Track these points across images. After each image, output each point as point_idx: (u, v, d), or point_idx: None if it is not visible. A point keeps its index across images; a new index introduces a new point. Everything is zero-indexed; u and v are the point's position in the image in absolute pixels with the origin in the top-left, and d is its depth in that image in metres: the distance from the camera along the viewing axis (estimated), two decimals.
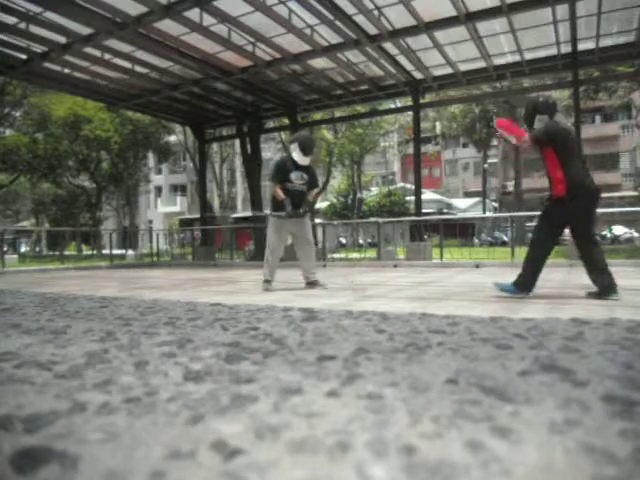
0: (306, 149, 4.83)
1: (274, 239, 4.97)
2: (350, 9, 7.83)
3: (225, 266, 11.44)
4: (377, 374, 1.34)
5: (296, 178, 4.85)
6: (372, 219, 17.87)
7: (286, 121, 13.88)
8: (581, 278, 5.69)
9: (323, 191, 25.74)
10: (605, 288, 3.61)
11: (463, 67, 10.57)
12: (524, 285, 3.78)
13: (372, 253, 12.22)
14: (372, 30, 8.60)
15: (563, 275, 6.31)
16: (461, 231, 15.57)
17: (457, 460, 0.79)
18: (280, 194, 4.79)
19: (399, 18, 8.30)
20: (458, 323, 2.18)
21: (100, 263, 12.82)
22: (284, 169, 4.87)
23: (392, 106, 17.45)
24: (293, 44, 9.16)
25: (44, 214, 30.50)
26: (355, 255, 12.38)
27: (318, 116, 17.56)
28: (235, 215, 31.07)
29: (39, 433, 0.94)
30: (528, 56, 10.00)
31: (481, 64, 10.36)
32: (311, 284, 4.96)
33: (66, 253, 15.94)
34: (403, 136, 35.93)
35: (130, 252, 16.37)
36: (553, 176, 3.68)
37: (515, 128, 3.83)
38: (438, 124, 37.34)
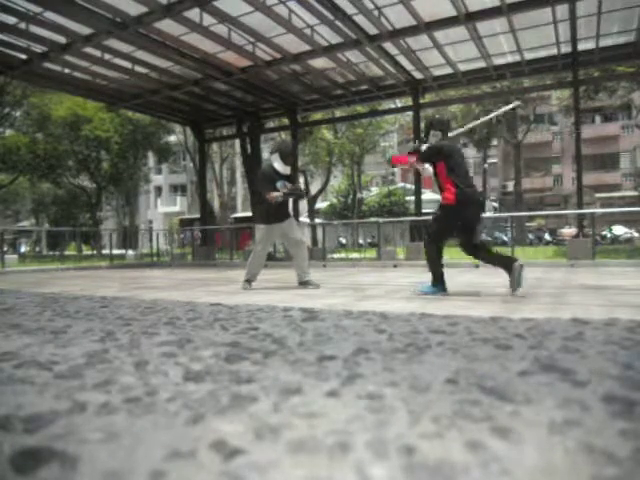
0: (286, 158, 4.98)
1: (261, 246, 5.13)
2: (350, 9, 7.82)
3: (225, 266, 11.44)
4: (377, 374, 1.34)
5: (281, 187, 4.94)
6: (372, 219, 17.88)
7: (286, 121, 13.87)
8: (580, 278, 5.70)
9: (323, 191, 25.74)
10: (512, 283, 3.88)
11: (463, 67, 10.57)
12: (439, 284, 4.09)
13: (372, 253, 12.22)
14: (372, 30, 8.60)
15: (563, 275, 6.31)
16: None
17: (457, 460, 0.79)
18: (274, 195, 4.86)
19: (399, 18, 8.30)
20: (458, 323, 2.18)
21: (100, 263, 12.82)
22: (271, 179, 4.95)
23: (392, 106, 17.43)
24: (293, 44, 9.16)
25: (44, 214, 30.50)
26: (355, 255, 12.38)
27: (318, 116, 17.54)
28: (235, 215, 31.07)
29: (39, 433, 0.94)
30: (528, 56, 9.99)
31: (481, 64, 10.36)
32: (304, 283, 5.02)
33: (66, 253, 15.91)
34: (403, 136, 35.91)
35: (130, 252, 16.36)
36: (444, 186, 4.02)
37: (403, 158, 4.42)
38: None
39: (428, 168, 4.23)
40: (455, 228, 4.15)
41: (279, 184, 4.93)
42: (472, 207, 3.99)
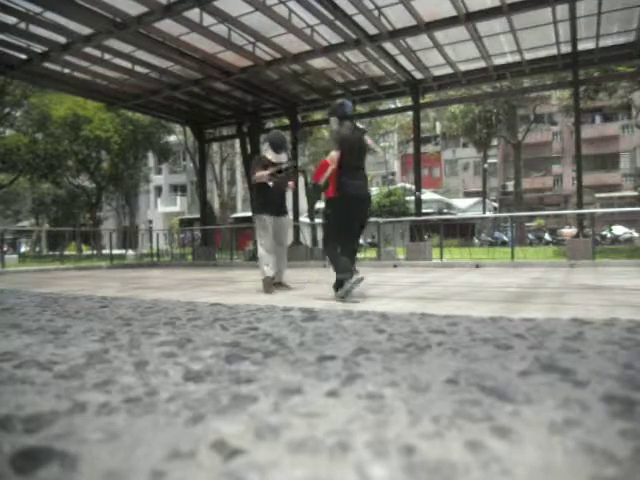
0: (276, 146, 4.89)
1: (264, 235, 4.89)
2: (350, 9, 7.83)
3: (225, 266, 11.44)
4: (377, 374, 1.34)
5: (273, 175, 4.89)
6: (372, 219, 17.86)
7: (286, 121, 13.88)
8: (580, 278, 5.70)
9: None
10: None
11: (463, 67, 10.57)
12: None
13: (372, 253, 12.22)
14: (372, 30, 8.60)
15: (563, 275, 6.31)
16: (461, 231, 15.55)
17: (457, 460, 0.79)
18: (263, 173, 4.76)
19: (399, 18, 8.30)
20: (458, 323, 2.18)
21: (100, 263, 12.82)
22: (262, 166, 4.86)
23: (392, 106, 17.44)
24: (293, 44, 9.16)
25: (44, 214, 30.50)
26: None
27: (318, 116, 17.55)
28: (235, 215, 31.05)
29: (39, 433, 0.94)
30: (528, 56, 9.99)
31: (481, 64, 10.36)
32: (276, 284, 4.91)
33: (66, 253, 15.92)
34: (403, 136, 35.92)
35: (130, 252, 16.36)
36: (330, 179, 3.87)
37: (321, 167, 4.00)
38: (438, 124, 37.36)
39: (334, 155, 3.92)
40: (353, 219, 4.00)
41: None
42: (350, 202, 3.88)
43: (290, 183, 5.06)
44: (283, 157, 4.96)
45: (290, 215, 5.47)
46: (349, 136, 3.89)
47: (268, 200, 4.87)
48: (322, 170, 3.97)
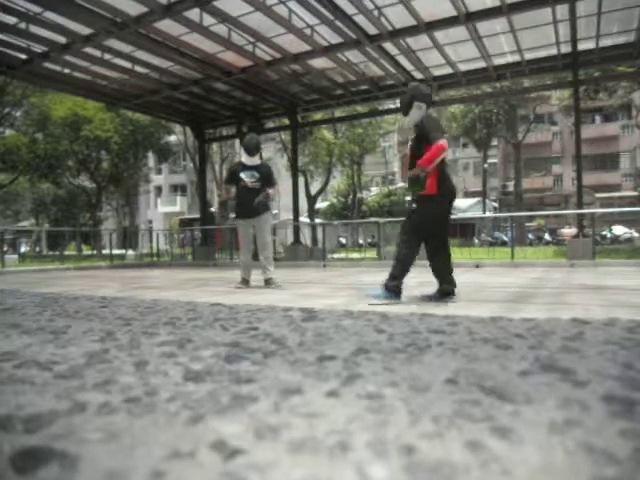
0: (249, 150, 5.28)
1: (240, 239, 5.42)
2: (350, 9, 7.82)
3: (225, 266, 11.44)
4: (377, 374, 1.34)
5: (246, 176, 5.22)
6: (372, 219, 17.86)
7: (286, 121, 13.88)
8: (580, 278, 5.69)
9: (323, 191, 25.74)
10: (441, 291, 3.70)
11: (463, 67, 10.57)
12: (398, 290, 3.59)
13: (372, 253, 12.21)
14: (372, 30, 8.60)
15: (563, 275, 6.31)
16: (461, 231, 15.53)
17: (457, 460, 0.79)
18: (225, 193, 5.52)
19: (399, 18, 8.29)
20: (458, 323, 2.18)
21: (100, 263, 12.82)
22: (233, 171, 5.39)
23: (392, 106, 17.43)
24: (293, 44, 9.15)
25: (44, 214, 30.49)
26: (355, 255, 12.38)
27: (318, 116, 17.55)
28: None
29: (39, 433, 0.94)
30: (528, 56, 9.99)
31: (481, 64, 10.36)
32: (266, 282, 5.22)
33: (66, 253, 15.93)
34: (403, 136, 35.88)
35: (130, 252, 16.35)
36: (429, 173, 3.41)
37: (435, 150, 3.38)
38: None
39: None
40: (439, 221, 3.59)
41: (243, 174, 5.23)
42: (450, 198, 3.54)
43: (271, 191, 5.31)
44: (256, 159, 5.35)
45: (287, 215, 5.76)
46: (441, 126, 3.49)
47: (241, 204, 5.25)
48: (437, 154, 3.35)
